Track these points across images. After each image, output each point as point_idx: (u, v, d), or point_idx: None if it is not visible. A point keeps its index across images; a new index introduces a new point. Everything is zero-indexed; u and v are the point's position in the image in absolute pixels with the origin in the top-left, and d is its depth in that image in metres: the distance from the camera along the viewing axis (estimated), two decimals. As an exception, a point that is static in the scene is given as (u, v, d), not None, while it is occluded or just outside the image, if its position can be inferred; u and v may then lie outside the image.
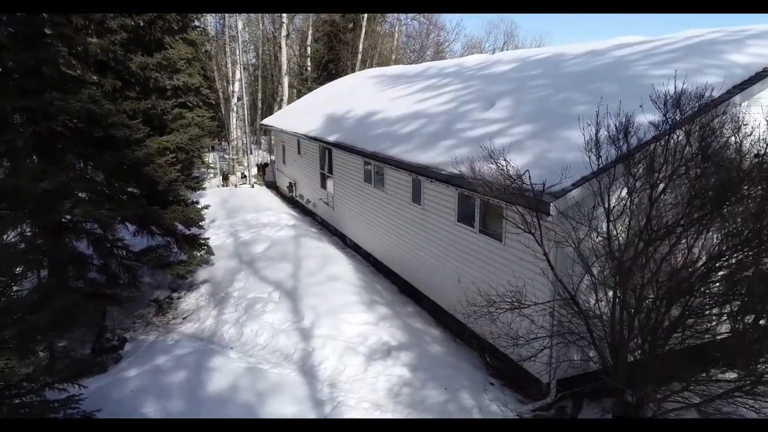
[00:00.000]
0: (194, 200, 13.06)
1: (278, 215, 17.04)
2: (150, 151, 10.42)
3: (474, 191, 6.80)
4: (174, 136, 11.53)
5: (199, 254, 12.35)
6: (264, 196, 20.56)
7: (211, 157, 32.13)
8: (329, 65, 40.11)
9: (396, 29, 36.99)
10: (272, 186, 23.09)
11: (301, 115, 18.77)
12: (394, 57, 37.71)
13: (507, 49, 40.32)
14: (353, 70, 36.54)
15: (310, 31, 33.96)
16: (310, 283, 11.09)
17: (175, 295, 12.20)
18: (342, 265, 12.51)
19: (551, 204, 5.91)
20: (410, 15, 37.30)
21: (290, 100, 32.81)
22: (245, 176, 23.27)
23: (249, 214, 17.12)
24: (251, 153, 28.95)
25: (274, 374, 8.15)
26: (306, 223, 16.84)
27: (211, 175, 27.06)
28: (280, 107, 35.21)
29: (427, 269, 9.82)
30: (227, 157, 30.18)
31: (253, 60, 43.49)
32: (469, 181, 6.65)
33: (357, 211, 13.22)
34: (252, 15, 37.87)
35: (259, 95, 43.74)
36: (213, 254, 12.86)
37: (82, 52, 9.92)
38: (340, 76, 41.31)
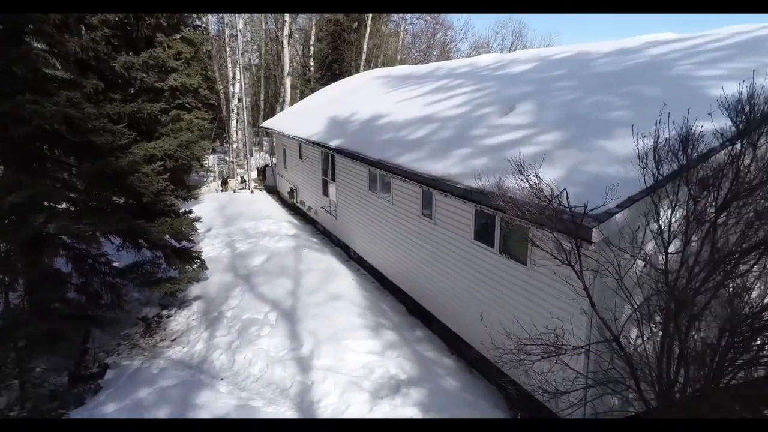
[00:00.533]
0: (187, 210, 12.15)
1: (278, 223, 16.13)
2: (135, 158, 9.51)
3: (500, 211, 5.84)
4: (163, 142, 10.56)
5: (191, 268, 11.45)
6: (264, 202, 19.65)
7: (211, 160, 31.35)
8: (333, 65, 39.22)
9: (401, 29, 36.11)
10: (273, 191, 22.19)
11: (303, 117, 17.86)
12: (399, 57, 36.77)
13: (515, 49, 39.37)
14: (357, 71, 35.67)
15: (313, 31, 33.04)
16: (310, 303, 10.16)
17: (165, 312, 11.29)
18: (345, 281, 11.58)
19: (593, 229, 4.96)
20: (416, 14, 36.38)
21: (293, 101, 31.93)
22: (245, 180, 22.39)
23: (247, 222, 16.22)
24: (251, 156, 28.10)
25: (269, 413, 7.22)
26: (307, 232, 15.92)
27: (211, 179, 26.21)
28: (282, 108, 34.37)
29: (438, 289, 8.87)
30: (228, 159, 29.37)
31: (256, 60, 42.69)
32: (493, 198, 5.69)
33: (361, 221, 12.30)
34: (254, 14, 37.03)
35: (262, 96, 43.00)
36: (207, 268, 11.95)
37: (61, 50, 9.02)
38: (344, 77, 40.44)
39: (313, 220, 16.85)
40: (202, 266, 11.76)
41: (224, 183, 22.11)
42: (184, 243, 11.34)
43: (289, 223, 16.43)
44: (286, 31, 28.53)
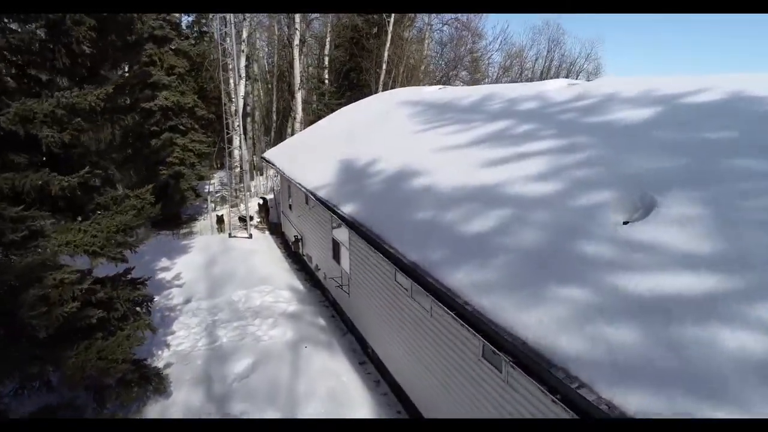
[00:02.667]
0: (146, 301, 8.65)
1: (276, 293, 12.63)
2: (33, 263, 6.05)
3: None
4: (83, 234, 7.00)
5: (147, 389, 8.02)
6: (263, 253, 16.13)
7: (216, 181, 28.04)
8: (350, 74, 35.78)
9: (426, 35, 32.38)
10: (277, 230, 18.73)
11: (312, 153, 14.36)
12: (423, 68, 33.13)
13: (552, 58, 35.41)
14: (377, 81, 32.21)
15: (328, 39, 29.51)
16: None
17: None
18: (362, 412, 8.03)
19: None
20: (442, 19, 32.71)
21: (305, 118, 28.52)
22: (244, 220, 18.93)
23: (238, 290, 12.75)
24: (251, 187, 24.73)
25: None
26: (313, 304, 12.38)
27: (212, 207, 22.86)
28: (293, 127, 30.97)
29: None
30: (229, 187, 25.98)
31: (269, 65, 39.43)
32: None
33: (383, 316, 8.74)
34: (265, 19, 33.72)
35: (274, 105, 39.76)
36: (165, 390, 8.48)
37: None
38: (362, 87, 36.97)
39: (320, 283, 13.33)
40: (159, 388, 8.29)
41: (219, 222, 18.70)
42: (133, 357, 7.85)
43: (290, 291, 12.90)
44: (296, 40, 25.09)
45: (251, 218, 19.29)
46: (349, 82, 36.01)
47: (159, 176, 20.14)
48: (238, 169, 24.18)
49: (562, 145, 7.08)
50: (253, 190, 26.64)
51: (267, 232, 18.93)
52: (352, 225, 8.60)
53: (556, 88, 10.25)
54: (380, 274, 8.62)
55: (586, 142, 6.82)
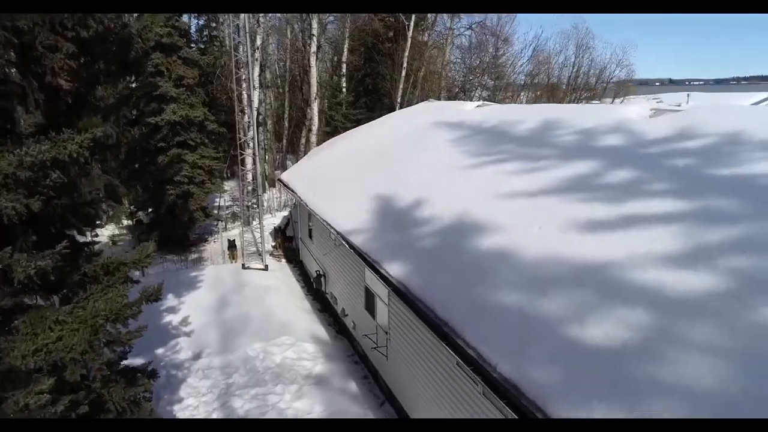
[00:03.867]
0: (148, 397, 7.00)
1: (299, 345, 10.97)
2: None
3: None
4: (44, 337, 5.29)
5: None
6: (281, 289, 14.43)
7: (226, 194, 26.44)
8: (366, 79, 34.10)
9: (447, 41, 30.61)
10: (294, 258, 17.08)
11: (336, 178, 12.69)
12: (444, 74, 31.38)
13: (581, 64, 33.58)
14: (394, 89, 30.49)
15: (346, 45, 27.81)
16: None
17: None
18: None
19: None
20: (464, 23, 30.96)
21: (320, 130, 26.89)
22: (259, 252, 17.23)
23: (255, 342, 11.08)
24: (263, 201, 23.12)
25: None
26: (341, 360, 10.69)
27: (222, 226, 21.26)
28: (307, 139, 29.25)
29: None
30: (240, 204, 24.35)
31: (279, 70, 37.84)
32: None
33: (437, 397, 7.04)
34: (279, 22, 32.14)
35: (286, 113, 38.19)
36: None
37: None
38: (379, 93, 35.27)
39: (347, 330, 11.68)
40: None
41: (231, 248, 17.06)
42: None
43: (315, 343, 11.21)
44: (313, 47, 23.42)
45: (273, 247, 17.62)
46: (365, 88, 34.35)
47: (167, 196, 18.59)
48: (250, 187, 22.54)
49: (691, 209, 5.34)
50: (265, 204, 25.02)
51: (283, 260, 17.27)
52: (404, 296, 6.89)
53: (640, 116, 8.51)
54: (436, 355, 6.92)
55: (730, 209, 5.08)
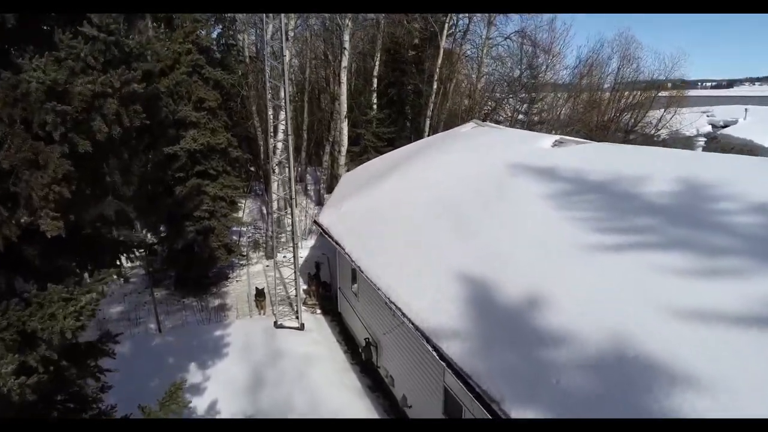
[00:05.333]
0: None
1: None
2: None
3: None
4: None
5: None
6: (323, 358, 12.18)
7: (246, 207, 24.20)
8: (389, 90, 31.87)
9: (483, 52, 28.26)
10: (331, 308, 14.89)
11: (392, 234, 10.47)
12: (479, 86, 29.05)
13: (624, 75, 31.03)
14: (426, 103, 28.24)
15: (377, 58, 25.58)
16: None
17: None
18: None
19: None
20: (502, 32, 28.63)
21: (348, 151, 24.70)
22: (292, 305, 15.00)
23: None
24: (286, 225, 20.87)
25: None
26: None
27: (242, 262, 19.13)
28: (334, 160, 26.97)
29: None
30: (265, 232, 22.24)
31: (297, 77, 35.76)
32: None
33: None
34: (297, 30, 29.96)
35: (305, 123, 36.13)
36: None
37: None
38: (403, 105, 32.97)
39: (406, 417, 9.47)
40: None
41: (259, 296, 14.87)
42: None
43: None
44: (344, 61, 21.19)
45: (305, 296, 15.41)
46: (389, 98, 32.14)
47: (185, 233, 16.49)
48: (275, 216, 20.37)
49: None
50: (288, 228, 22.88)
51: (319, 311, 15.08)
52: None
53: None
54: None
55: None
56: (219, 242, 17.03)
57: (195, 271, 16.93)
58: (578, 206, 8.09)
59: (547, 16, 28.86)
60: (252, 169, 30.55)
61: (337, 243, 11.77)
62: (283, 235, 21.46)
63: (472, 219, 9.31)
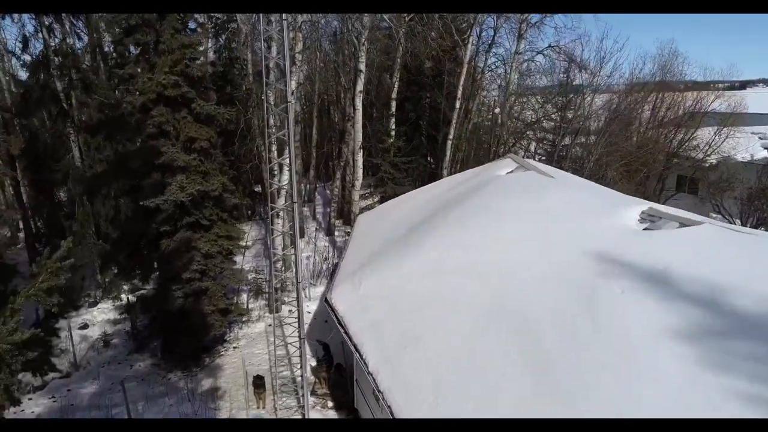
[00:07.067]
0: None
1: None
2: None
3: None
4: None
5: None
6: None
7: (249, 235, 21.30)
8: (405, 104, 29.08)
9: (512, 67, 25.35)
10: (343, 400, 12.14)
11: (447, 349, 7.71)
12: (510, 104, 26.13)
13: (662, 97, 27.99)
14: (445, 119, 25.46)
15: (396, 78, 22.80)
16: None
17: None
18: None
19: None
20: (534, 47, 25.69)
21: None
22: (299, 397, 12.26)
23: None
24: (291, 262, 18.13)
25: None
26: None
27: (244, 317, 16.41)
28: (345, 191, 24.17)
29: None
30: (271, 286, 19.35)
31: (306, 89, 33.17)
32: None
33: None
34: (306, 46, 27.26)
35: (313, 141, 33.49)
36: None
37: None
38: (421, 120, 30.07)
39: None
40: None
41: (258, 386, 12.12)
42: None
43: None
44: (359, 85, 18.42)
45: (313, 381, 12.66)
46: (404, 114, 29.35)
47: (172, 299, 13.82)
48: (279, 264, 17.63)
49: None
50: (292, 268, 20.17)
51: (330, 404, 12.33)
52: None
53: None
54: None
55: None
56: (213, 306, 14.33)
57: (184, 341, 14.23)
58: (735, 363, 5.28)
59: (595, 35, 26.06)
60: (257, 189, 27.77)
61: (356, 349, 8.96)
62: (289, 281, 18.71)
63: (551, 349, 6.52)
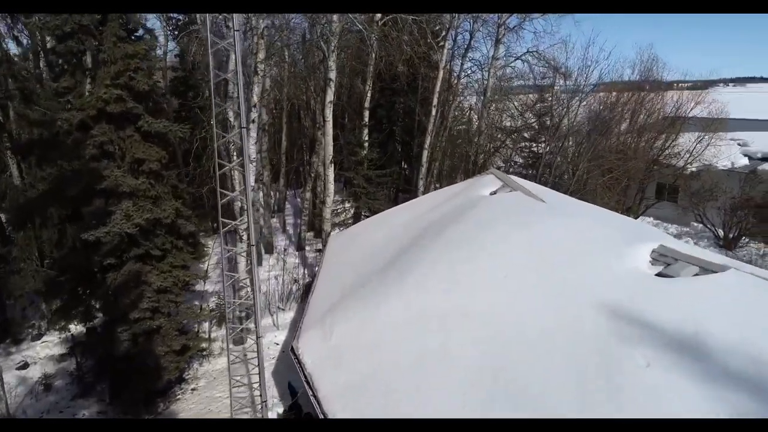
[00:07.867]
0: None
1: None
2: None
3: None
4: None
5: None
6: None
7: (213, 252, 19.62)
8: (378, 110, 27.81)
9: (489, 73, 24.25)
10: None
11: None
12: (488, 111, 25.07)
13: (642, 101, 27.43)
14: (419, 126, 24.32)
15: (368, 86, 21.45)
16: None
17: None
18: None
19: None
20: (514, 52, 24.69)
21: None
22: None
23: None
24: (259, 285, 16.69)
25: None
26: None
27: (206, 349, 14.76)
28: (315, 206, 22.69)
29: None
30: (231, 312, 17.71)
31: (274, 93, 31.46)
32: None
33: None
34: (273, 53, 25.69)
35: (283, 145, 31.85)
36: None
37: None
38: (394, 126, 28.79)
39: None
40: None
41: (218, 444, 10.65)
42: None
43: None
44: (329, 96, 17.00)
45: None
46: (377, 121, 28.07)
47: (118, 342, 12.19)
48: (243, 292, 16.07)
49: None
50: (261, 292, 18.59)
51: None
52: None
53: None
54: None
55: None
56: (167, 347, 12.74)
57: (134, 384, 12.60)
58: None
59: (579, 42, 25.28)
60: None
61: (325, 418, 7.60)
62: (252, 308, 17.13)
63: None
